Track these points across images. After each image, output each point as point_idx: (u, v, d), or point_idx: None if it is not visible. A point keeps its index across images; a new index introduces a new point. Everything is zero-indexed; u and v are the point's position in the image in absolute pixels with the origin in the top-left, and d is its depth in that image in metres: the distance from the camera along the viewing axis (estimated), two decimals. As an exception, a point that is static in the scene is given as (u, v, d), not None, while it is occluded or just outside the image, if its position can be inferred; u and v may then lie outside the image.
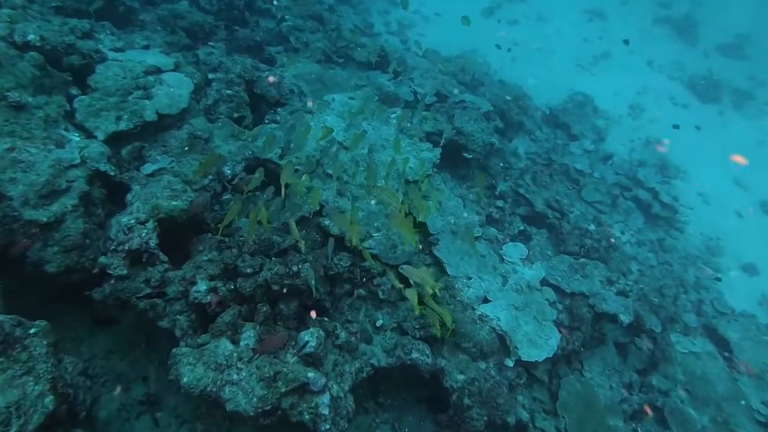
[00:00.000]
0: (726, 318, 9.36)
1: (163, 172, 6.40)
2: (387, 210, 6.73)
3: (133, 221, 5.46)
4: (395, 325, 6.35)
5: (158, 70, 7.23)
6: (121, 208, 6.04)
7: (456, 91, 10.67)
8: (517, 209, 9.33)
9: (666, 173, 13.03)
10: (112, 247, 5.35)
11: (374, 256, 6.42)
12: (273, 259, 5.53)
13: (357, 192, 6.92)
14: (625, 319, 7.20)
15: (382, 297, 6.30)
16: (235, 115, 7.61)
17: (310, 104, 7.76)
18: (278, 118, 7.76)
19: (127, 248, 5.28)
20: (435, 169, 8.13)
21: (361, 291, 6.32)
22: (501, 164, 10.43)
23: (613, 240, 8.76)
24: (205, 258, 5.57)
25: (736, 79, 16.79)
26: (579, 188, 11.06)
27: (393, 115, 8.84)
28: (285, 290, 5.40)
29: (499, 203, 9.00)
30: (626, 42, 14.04)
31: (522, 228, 8.84)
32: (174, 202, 5.69)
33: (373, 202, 6.80)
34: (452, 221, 7.55)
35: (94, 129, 6.28)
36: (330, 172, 7.04)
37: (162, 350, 6.12)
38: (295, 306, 5.50)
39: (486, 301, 6.67)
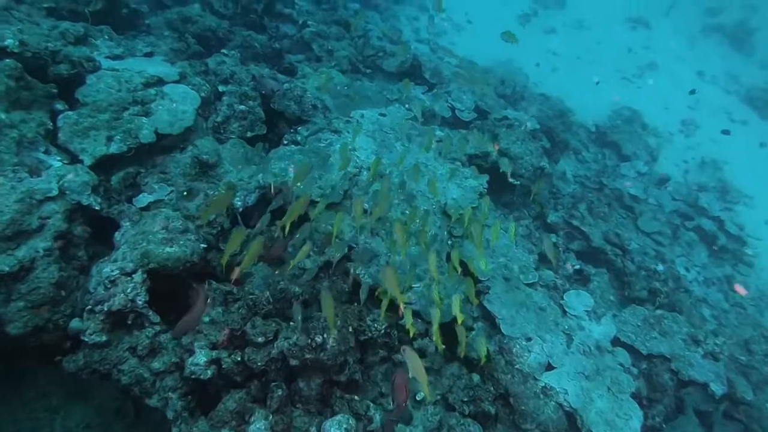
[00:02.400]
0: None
1: (161, 206, 5.31)
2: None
3: (116, 272, 4.36)
4: (438, 397, 5.15)
5: (160, 82, 6.17)
6: (110, 247, 4.97)
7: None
8: (571, 244, 8.08)
9: (727, 198, 11.66)
10: (89, 306, 4.24)
11: (414, 313, 5.25)
12: (292, 323, 4.37)
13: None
14: (717, 389, 5.91)
15: (423, 364, 5.10)
16: (249, 134, 6.51)
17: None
18: (299, 138, 6.64)
19: (106, 309, 4.17)
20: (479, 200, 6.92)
21: (399, 356, 5.13)
22: (549, 190, 9.21)
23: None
24: (206, 319, 4.44)
25: (797, 92, 15.31)
26: (635, 217, 9.78)
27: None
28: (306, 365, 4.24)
29: (552, 238, 7.76)
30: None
31: (578, 267, 7.59)
32: (169, 249, 4.56)
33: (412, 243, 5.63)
34: (503, 263, 6.34)
35: (79, 152, 5.23)
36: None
37: (155, 424, 5.03)
38: (317, 384, 4.33)
39: (549, 368, 5.44)
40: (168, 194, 5.45)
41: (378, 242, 5.63)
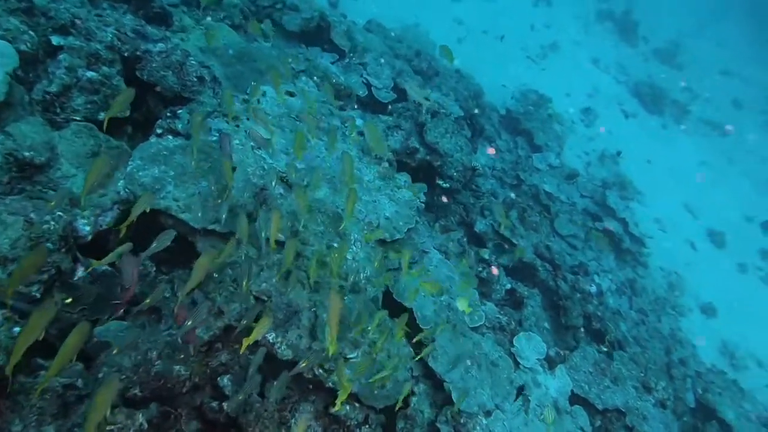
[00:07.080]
0: (710, 386, 8.05)
1: (-55, 243, 3.21)
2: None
3: None
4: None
5: (-54, 25, 3.85)
6: None
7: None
8: (500, 257, 7.14)
9: (625, 194, 11.68)
10: None
11: (351, 396, 3.85)
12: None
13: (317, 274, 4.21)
14: (668, 444, 5.42)
15: (364, 468, 3.76)
16: (103, 116, 4.43)
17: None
18: (179, 125, 4.68)
19: None
20: (417, 218, 5.60)
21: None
22: (470, 188, 8.16)
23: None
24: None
25: (673, 89, 15.99)
26: (551, 217, 9.18)
27: (347, 124, 6.13)
28: None
29: (484, 253, 6.74)
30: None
31: (509, 287, 6.70)
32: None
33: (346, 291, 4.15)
34: (446, 302, 5.13)
35: None
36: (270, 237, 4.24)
37: None
38: None
39: (510, 447, 4.41)
40: (-42, 221, 3.33)
41: (298, 293, 4.06)
